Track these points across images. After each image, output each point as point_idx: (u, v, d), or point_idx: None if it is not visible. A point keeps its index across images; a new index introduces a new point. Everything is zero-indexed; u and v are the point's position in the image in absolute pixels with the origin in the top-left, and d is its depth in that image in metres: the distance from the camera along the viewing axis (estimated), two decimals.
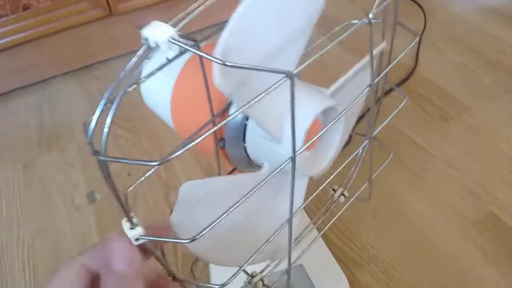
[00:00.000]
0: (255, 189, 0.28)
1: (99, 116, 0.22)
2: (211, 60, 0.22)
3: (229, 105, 0.36)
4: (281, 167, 0.30)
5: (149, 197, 0.74)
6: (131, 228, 0.25)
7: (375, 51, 0.38)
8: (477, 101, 0.82)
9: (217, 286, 0.30)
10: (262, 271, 0.38)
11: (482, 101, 0.82)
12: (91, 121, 0.22)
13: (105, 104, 0.22)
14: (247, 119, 0.35)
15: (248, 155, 0.37)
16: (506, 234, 0.61)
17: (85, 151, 0.85)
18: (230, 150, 0.38)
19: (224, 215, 0.26)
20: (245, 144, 0.36)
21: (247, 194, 0.28)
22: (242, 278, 0.40)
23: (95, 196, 0.76)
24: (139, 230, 0.25)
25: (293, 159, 0.30)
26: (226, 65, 0.22)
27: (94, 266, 0.27)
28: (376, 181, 0.69)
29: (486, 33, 0.99)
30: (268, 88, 0.24)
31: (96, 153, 0.22)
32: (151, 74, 0.27)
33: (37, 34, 0.98)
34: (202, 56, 0.23)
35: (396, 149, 0.75)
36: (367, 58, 0.36)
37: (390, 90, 0.86)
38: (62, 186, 0.79)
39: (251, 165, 0.39)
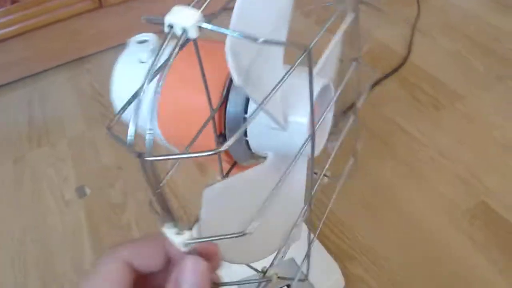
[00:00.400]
0: (287, 171, 0.29)
1: (135, 120, 0.20)
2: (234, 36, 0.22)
3: (225, 98, 0.35)
4: (303, 147, 0.30)
5: (139, 194, 0.73)
6: (178, 234, 0.23)
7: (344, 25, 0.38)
8: (470, 89, 0.81)
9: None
10: (271, 264, 0.37)
11: (475, 89, 0.81)
12: (127, 123, 0.20)
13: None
14: (245, 112, 0.35)
15: (249, 148, 0.36)
16: (497, 223, 0.61)
17: (75, 145, 0.84)
18: (233, 146, 0.36)
19: (266, 201, 0.27)
20: (247, 138, 0.35)
21: (279, 181, 0.28)
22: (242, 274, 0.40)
23: (85, 190, 0.75)
24: (188, 235, 0.23)
25: (312, 136, 0.29)
26: (256, 40, 0.21)
27: (140, 266, 0.25)
28: (367, 171, 0.69)
29: (481, 21, 0.97)
30: (291, 67, 0.24)
31: (140, 155, 0.20)
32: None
33: (26, 27, 0.97)
34: (226, 33, 0.22)
35: (388, 139, 0.74)
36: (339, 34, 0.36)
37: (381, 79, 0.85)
38: (52, 181, 0.78)
39: (253, 157, 0.38)
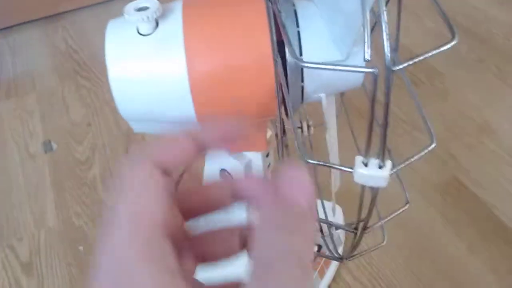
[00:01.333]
0: None
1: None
2: None
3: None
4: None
5: (108, 149, 0.71)
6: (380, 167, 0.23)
7: None
8: (450, 68, 0.81)
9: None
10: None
11: (455, 69, 0.81)
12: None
13: None
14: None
15: (302, 95, 0.33)
16: (468, 198, 0.61)
17: (45, 100, 0.81)
18: (291, 92, 0.32)
19: None
20: (303, 84, 0.32)
21: None
22: None
23: (52, 145, 0.73)
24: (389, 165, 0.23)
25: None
26: None
27: (172, 164, 0.19)
28: (340, 141, 0.68)
29: (467, 3, 0.97)
30: None
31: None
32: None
33: None
34: None
35: (365, 112, 0.73)
36: None
37: None
38: (17, 133, 0.75)
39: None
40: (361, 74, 0.31)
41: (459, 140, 0.68)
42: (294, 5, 0.32)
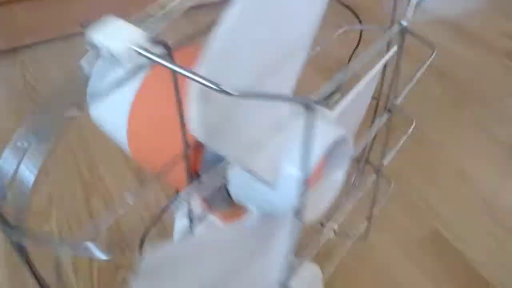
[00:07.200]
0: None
1: None
2: (202, 83, 0.15)
3: None
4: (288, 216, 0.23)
5: (66, 199, 0.66)
6: None
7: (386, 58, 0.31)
8: (426, 114, 0.80)
9: None
10: None
11: (431, 114, 0.80)
12: None
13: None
14: None
15: (230, 197, 0.29)
16: (448, 252, 0.59)
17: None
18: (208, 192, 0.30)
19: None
20: (228, 186, 0.29)
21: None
22: None
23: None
24: None
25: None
26: (229, 93, 0.15)
27: None
28: None
29: (440, 46, 0.97)
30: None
31: None
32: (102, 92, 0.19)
33: None
34: (189, 77, 0.16)
35: None
36: (377, 68, 0.30)
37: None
38: None
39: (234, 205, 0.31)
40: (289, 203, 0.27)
41: (437, 188, 0.67)
42: None
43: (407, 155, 0.72)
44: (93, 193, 0.67)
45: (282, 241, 0.26)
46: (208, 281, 0.26)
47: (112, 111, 0.31)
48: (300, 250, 0.39)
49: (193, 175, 0.29)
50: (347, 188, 0.42)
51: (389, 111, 0.32)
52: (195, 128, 0.19)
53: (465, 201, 0.65)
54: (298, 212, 0.23)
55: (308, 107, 0.19)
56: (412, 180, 0.68)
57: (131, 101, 0.29)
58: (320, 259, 0.52)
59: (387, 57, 0.31)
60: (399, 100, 0.33)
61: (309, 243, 0.35)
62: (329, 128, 0.27)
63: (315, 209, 0.30)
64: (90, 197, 0.66)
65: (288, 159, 0.25)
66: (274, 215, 0.27)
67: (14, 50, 0.97)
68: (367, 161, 0.34)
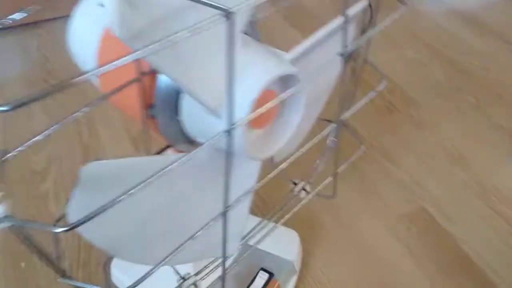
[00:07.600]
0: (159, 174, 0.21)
1: None
2: None
3: None
4: (209, 141, 0.23)
5: (66, 161, 0.68)
6: None
7: (352, 11, 0.31)
8: (427, 97, 0.79)
9: None
10: (197, 273, 0.32)
11: (432, 97, 0.79)
12: None
13: None
14: None
15: (183, 131, 0.30)
16: (434, 230, 0.58)
17: None
18: (162, 123, 0.30)
19: (121, 197, 0.20)
20: (180, 118, 0.29)
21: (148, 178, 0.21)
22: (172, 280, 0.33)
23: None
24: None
25: (229, 132, 0.23)
26: None
27: None
28: None
29: (448, 33, 0.96)
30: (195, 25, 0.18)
31: None
32: None
33: None
34: None
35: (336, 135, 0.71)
36: (341, 18, 0.30)
37: None
38: None
39: (190, 142, 0.31)
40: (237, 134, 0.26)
41: (430, 170, 0.66)
42: None
43: (403, 136, 0.72)
44: (91, 157, 0.69)
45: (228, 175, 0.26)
46: (149, 206, 0.27)
47: (87, 34, 0.33)
48: (274, 213, 0.40)
49: (148, 105, 0.30)
50: (322, 149, 0.43)
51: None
52: (116, 29, 0.20)
53: (459, 183, 0.64)
54: (231, 142, 0.24)
55: (226, 14, 0.19)
56: (405, 160, 0.67)
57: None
58: (297, 225, 0.53)
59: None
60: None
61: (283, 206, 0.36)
62: (277, 62, 0.28)
63: (268, 148, 0.31)
64: (88, 160, 0.69)
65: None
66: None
67: (33, 24, 1.01)
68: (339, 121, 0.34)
